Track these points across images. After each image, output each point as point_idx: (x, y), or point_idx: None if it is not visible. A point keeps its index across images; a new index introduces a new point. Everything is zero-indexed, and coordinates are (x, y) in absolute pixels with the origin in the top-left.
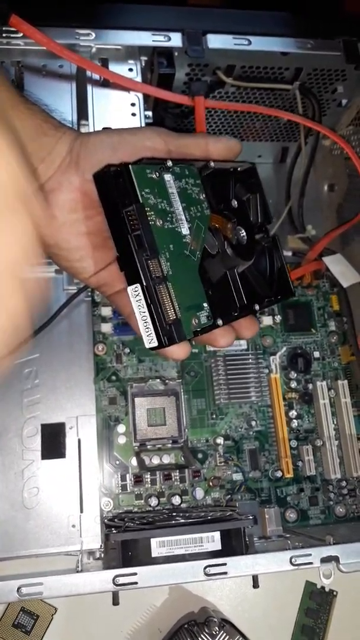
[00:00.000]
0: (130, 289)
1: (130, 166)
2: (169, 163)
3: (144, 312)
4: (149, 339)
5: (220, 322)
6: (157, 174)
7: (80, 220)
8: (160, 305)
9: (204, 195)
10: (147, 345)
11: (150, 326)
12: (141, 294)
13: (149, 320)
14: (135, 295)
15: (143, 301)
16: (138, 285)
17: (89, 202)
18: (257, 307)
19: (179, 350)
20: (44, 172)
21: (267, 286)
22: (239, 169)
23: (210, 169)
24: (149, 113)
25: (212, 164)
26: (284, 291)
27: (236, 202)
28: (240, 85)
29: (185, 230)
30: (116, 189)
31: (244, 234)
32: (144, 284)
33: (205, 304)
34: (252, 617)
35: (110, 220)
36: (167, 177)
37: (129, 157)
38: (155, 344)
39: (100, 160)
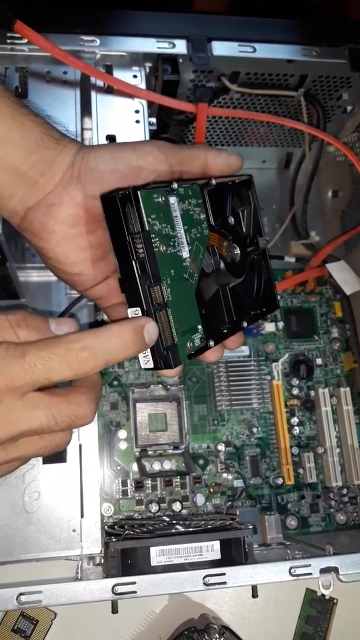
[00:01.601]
0: (130, 311)
1: (139, 192)
2: (175, 185)
3: None
4: (145, 360)
5: (212, 343)
6: (163, 198)
7: (81, 235)
8: (160, 332)
9: (204, 215)
10: (143, 366)
11: (148, 349)
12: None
13: None
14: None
15: None
16: (139, 309)
17: (90, 217)
18: (245, 324)
19: (172, 371)
20: (44, 185)
21: (253, 300)
22: (236, 180)
23: (212, 186)
24: (153, 120)
25: (213, 181)
26: (269, 304)
27: (232, 219)
28: (245, 92)
29: (185, 253)
30: (123, 214)
31: (238, 251)
32: (145, 309)
33: (199, 326)
34: (252, 624)
35: (115, 242)
36: (172, 200)
37: (130, 172)
38: (150, 365)
39: (102, 175)
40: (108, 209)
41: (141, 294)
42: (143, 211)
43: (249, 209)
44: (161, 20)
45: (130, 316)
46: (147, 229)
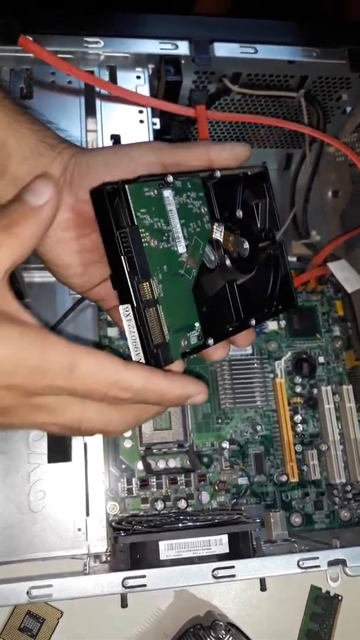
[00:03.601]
0: (121, 308)
1: (126, 185)
2: (169, 178)
3: (134, 332)
4: (137, 358)
5: (211, 341)
6: (156, 191)
7: (73, 238)
8: (149, 329)
9: (205, 209)
10: (134, 359)
11: (139, 346)
12: (131, 314)
13: (137, 340)
14: (126, 315)
15: (133, 322)
16: (129, 305)
17: (82, 221)
18: (253, 322)
19: (175, 368)
20: None
21: (268, 297)
22: (249, 173)
23: (216, 179)
24: (157, 120)
25: (217, 173)
26: (286, 301)
27: (241, 213)
28: (246, 92)
29: (182, 248)
30: (111, 209)
31: (247, 246)
32: (134, 305)
33: (196, 324)
34: (257, 620)
35: (105, 238)
36: (167, 193)
37: (123, 177)
38: (142, 360)
39: (94, 181)
40: (97, 203)
41: (130, 290)
42: (131, 205)
43: (264, 202)
44: (164, 23)
45: (121, 313)
46: (136, 223)
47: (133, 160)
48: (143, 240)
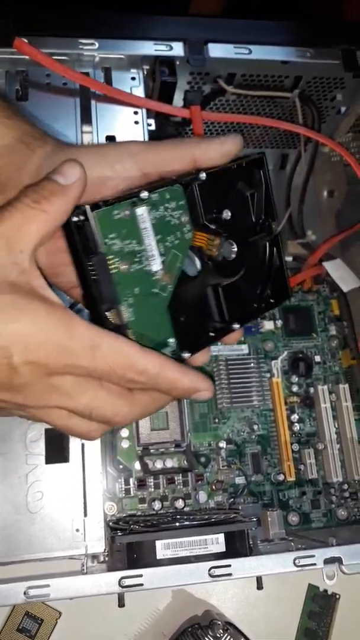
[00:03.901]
0: None
1: (93, 213)
2: (144, 194)
3: None
4: None
5: (186, 355)
6: (128, 212)
7: (55, 249)
8: None
9: (187, 217)
10: None
11: None
12: None
13: None
14: None
15: None
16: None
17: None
18: (236, 326)
19: None
20: (11, 189)
21: (258, 293)
22: (243, 163)
23: (201, 180)
24: (152, 121)
25: (202, 175)
26: (280, 294)
27: (230, 212)
28: (241, 93)
29: (156, 266)
30: (78, 236)
31: (235, 248)
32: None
33: (171, 339)
34: (255, 620)
35: (74, 262)
36: (140, 211)
37: (97, 181)
38: None
39: None
40: (66, 231)
41: (98, 316)
42: (96, 233)
43: (260, 190)
44: (158, 24)
45: None
46: (103, 251)
47: (109, 165)
48: (112, 267)
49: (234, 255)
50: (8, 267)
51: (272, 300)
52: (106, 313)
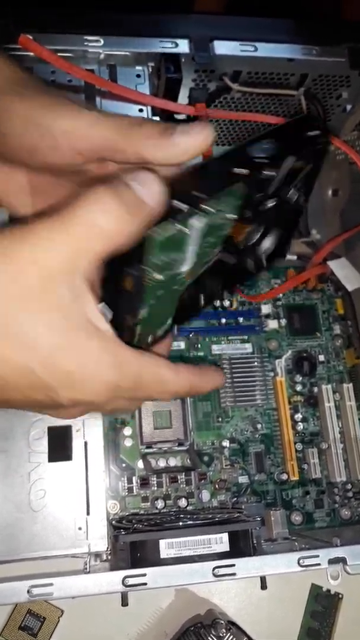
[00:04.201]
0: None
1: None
2: (207, 208)
3: None
4: None
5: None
6: (182, 226)
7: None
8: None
9: (234, 216)
10: None
11: None
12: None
13: None
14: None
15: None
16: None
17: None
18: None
19: None
20: None
21: (260, 254)
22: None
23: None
24: (157, 118)
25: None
26: (277, 255)
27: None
28: (246, 91)
29: (185, 269)
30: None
31: (259, 235)
32: (114, 325)
33: (170, 320)
34: (258, 619)
35: (109, 263)
36: (196, 223)
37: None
38: None
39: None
40: None
41: (118, 317)
42: (149, 255)
43: (309, 167)
44: (164, 21)
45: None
46: (147, 267)
47: (48, 132)
48: (148, 279)
49: (257, 240)
50: (65, 293)
51: (269, 261)
52: (122, 316)
